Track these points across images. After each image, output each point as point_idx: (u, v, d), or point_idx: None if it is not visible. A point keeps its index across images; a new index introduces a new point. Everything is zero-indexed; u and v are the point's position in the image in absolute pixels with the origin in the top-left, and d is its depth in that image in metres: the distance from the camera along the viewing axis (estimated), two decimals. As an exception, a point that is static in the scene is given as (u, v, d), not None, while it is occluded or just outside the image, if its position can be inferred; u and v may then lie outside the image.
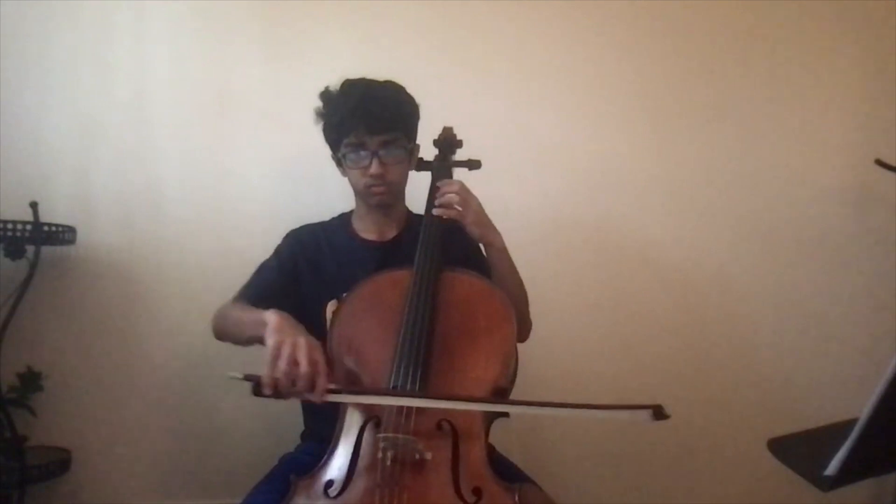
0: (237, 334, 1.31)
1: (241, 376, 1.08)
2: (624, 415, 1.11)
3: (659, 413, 1.07)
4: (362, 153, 1.40)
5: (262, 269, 1.47)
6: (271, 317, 1.15)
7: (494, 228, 1.40)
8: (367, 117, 1.37)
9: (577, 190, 2.01)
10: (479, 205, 1.39)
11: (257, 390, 1.07)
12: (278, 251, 1.50)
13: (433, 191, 1.44)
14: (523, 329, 1.43)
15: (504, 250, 1.40)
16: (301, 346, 1.09)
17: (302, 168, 1.88)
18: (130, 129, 1.87)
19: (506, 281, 1.39)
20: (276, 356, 1.07)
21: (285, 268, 1.46)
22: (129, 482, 1.85)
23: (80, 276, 1.84)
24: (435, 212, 1.38)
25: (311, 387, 1.09)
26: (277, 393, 1.08)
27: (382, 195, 1.43)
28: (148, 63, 1.88)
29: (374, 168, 1.39)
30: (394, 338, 1.22)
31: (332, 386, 1.12)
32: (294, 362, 1.07)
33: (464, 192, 1.37)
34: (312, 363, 1.08)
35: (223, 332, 1.37)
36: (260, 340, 1.15)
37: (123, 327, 1.85)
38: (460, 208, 1.35)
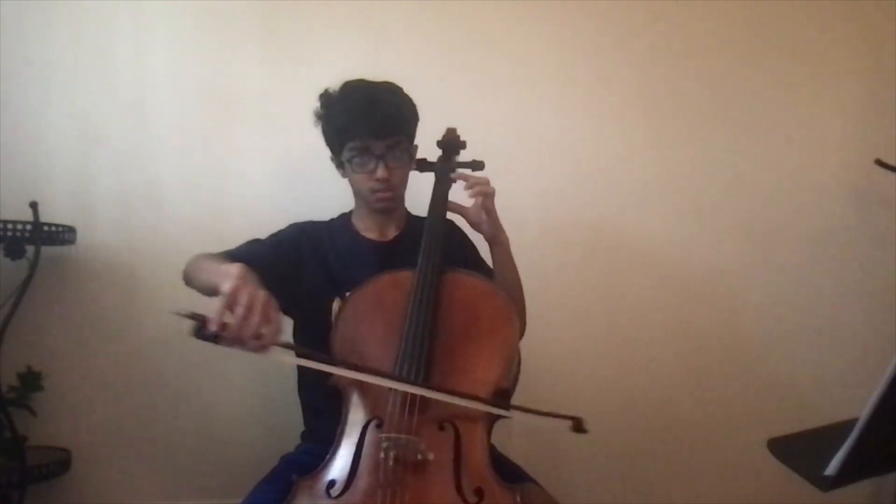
0: (201, 280, 1.25)
1: (185, 313, 1.02)
2: (547, 422, 1.14)
3: (578, 426, 1.13)
4: (367, 157, 1.39)
5: (254, 241, 1.45)
6: (235, 268, 1.10)
7: (504, 230, 1.45)
8: (372, 122, 1.36)
9: (578, 190, 2.01)
10: (495, 208, 1.45)
11: (199, 331, 1.02)
12: (277, 235, 1.48)
13: (437, 192, 1.44)
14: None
15: (509, 250, 1.45)
16: (259, 297, 1.04)
17: (302, 168, 1.88)
18: (130, 129, 1.87)
19: (505, 279, 1.42)
20: (231, 301, 1.03)
21: (283, 252, 1.43)
22: (129, 482, 1.84)
23: (80, 276, 1.84)
24: (469, 192, 1.42)
25: (258, 337, 1.04)
26: (221, 337, 1.02)
27: (387, 199, 1.44)
28: (148, 63, 1.88)
29: (381, 172, 1.39)
30: (396, 338, 1.22)
31: (281, 342, 1.08)
32: (248, 309, 1.03)
33: (491, 191, 1.43)
34: (265, 314, 1.04)
35: (189, 277, 1.32)
36: (219, 290, 1.09)
37: (123, 327, 1.85)
38: (480, 202, 1.41)
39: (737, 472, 2.02)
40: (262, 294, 1.06)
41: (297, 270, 1.44)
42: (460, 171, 1.48)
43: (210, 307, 1.05)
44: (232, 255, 1.34)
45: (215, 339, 1.03)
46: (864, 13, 2.07)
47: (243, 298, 1.03)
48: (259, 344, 1.04)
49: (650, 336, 2.02)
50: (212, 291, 1.15)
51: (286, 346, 1.12)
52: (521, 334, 1.43)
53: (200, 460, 1.86)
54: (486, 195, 1.41)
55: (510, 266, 1.45)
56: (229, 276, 1.07)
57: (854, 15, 2.07)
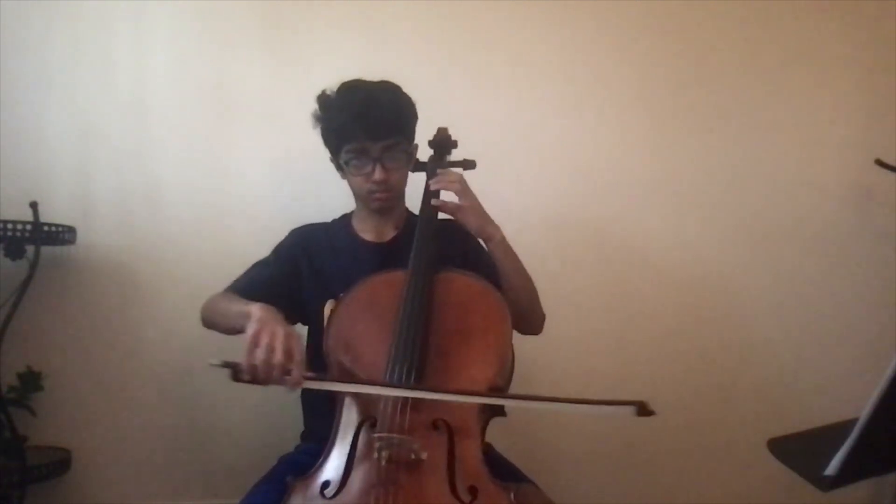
0: (223, 324, 1.32)
1: (220, 363, 1.09)
2: (608, 410, 1.13)
3: (643, 409, 1.09)
4: (364, 160, 1.39)
5: (257, 265, 1.48)
6: (255, 308, 1.17)
7: (492, 221, 1.40)
8: (368, 123, 1.36)
9: (577, 190, 2.01)
10: (476, 199, 1.40)
11: (236, 376, 1.09)
12: (278, 249, 1.50)
13: (428, 191, 1.43)
14: (535, 321, 1.46)
15: (504, 242, 1.40)
16: (278, 335, 1.10)
17: (302, 168, 1.88)
18: (130, 129, 1.87)
19: (511, 273, 1.39)
20: (254, 344, 1.09)
21: (282, 265, 1.46)
22: (129, 482, 1.85)
23: (80, 276, 1.84)
24: (433, 201, 1.38)
25: (286, 375, 1.10)
26: (255, 380, 1.09)
27: (385, 200, 1.43)
28: (148, 63, 1.88)
29: (378, 174, 1.38)
30: (389, 338, 1.22)
31: (310, 374, 1.15)
32: (271, 351, 1.09)
33: (462, 183, 1.39)
34: (288, 352, 1.09)
35: (210, 322, 1.39)
36: (242, 331, 1.16)
37: (123, 327, 1.85)
38: (458, 198, 1.37)
39: (737, 472, 2.01)
40: (281, 332, 1.11)
41: (298, 279, 1.45)
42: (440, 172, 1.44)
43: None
44: (239, 288, 1.39)
45: (252, 381, 1.09)
46: (864, 13, 2.07)
47: (264, 340, 1.09)
48: (291, 381, 1.10)
49: (649, 336, 2.02)
50: (233, 332, 1.24)
51: (317, 377, 1.18)
52: (540, 329, 1.47)
53: (200, 460, 1.87)
54: (448, 187, 1.38)
55: (510, 260, 1.39)
56: (249, 317, 1.14)
57: (854, 15, 2.06)
